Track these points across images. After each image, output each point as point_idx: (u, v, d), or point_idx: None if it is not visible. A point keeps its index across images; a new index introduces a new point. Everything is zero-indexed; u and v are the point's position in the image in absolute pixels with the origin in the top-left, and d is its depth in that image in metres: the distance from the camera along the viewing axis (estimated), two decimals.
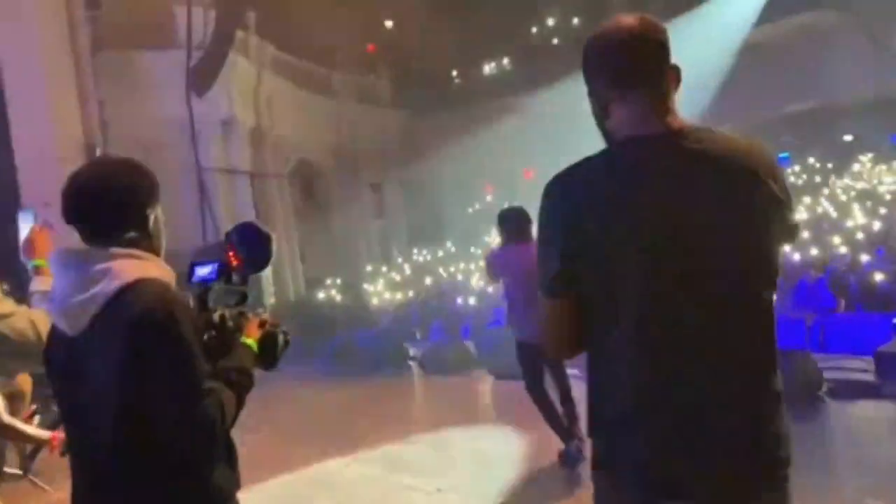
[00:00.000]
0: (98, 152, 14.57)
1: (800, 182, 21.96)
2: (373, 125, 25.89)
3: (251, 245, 1.87)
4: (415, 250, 27.37)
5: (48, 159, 11.78)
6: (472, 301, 14.68)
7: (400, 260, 25.80)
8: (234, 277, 1.87)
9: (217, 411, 1.57)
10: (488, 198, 33.45)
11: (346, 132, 24.90)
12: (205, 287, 1.82)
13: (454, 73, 29.87)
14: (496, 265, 5.24)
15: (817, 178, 22.66)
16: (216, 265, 1.83)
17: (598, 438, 1.52)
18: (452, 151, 28.24)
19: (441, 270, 22.03)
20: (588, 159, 1.55)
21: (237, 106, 19.18)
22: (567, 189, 1.52)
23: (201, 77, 15.71)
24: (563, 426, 4.96)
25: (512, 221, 5.14)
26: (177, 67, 15.74)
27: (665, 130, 1.47)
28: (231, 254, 1.85)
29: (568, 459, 4.89)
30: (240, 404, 1.68)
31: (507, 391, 7.63)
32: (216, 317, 1.78)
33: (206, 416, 1.55)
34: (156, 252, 1.76)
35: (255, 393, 1.73)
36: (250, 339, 1.82)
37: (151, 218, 1.75)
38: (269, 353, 1.86)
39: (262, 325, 1.87)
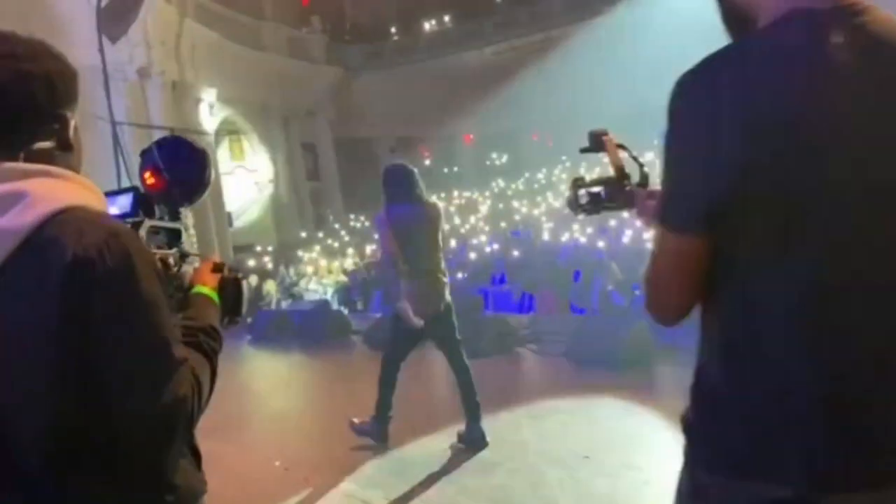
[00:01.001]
0: None
1: None
2: (305, 82, 24.49)
3: (177, 163, 1.48)
4: (351, 216, 26.27)
5: None
6: None
7: (336, 226, 24.66)
8: (160, 210, 1.47)
9: (191, 390, 1.15)
10: (426, 162, 32.65)
11: (276, 88, 23.42)
12: None
13: (392, 29, 28.54)
14: (387, 226, 4.51)
15: None
16: (131, 195, 1.43)
17: (730, 430, 1.17)
18: (389, 112, 27.23)
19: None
20: (733, 47, 1.17)
21: (156, 55, 17.64)
22: (719, 81, 1.10)
23: (114, 19, 14.09)
24: (386, 412, 4.69)
25: (399, 179, 4.57)
26: (85, 7, 14.13)
27: (836, 3, 1.14)
28: (149, 173, 1.46)
29: (373, 436, 4.70)
30: (213, 376, 1.26)
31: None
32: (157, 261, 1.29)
33: (179, 397, 1.12)
34: (75, 171, 1.24)
35: None
36: (206, 288, 1.44)
37: (72, 123, 1.24)
38: (233, 303, 1.48)
39: (216, 268, 1.48)
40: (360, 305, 12.89)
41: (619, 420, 4.90)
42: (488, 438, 4.60)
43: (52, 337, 1.05)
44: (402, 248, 4.48)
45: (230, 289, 1.48)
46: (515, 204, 22.64)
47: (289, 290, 14.36)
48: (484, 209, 23.97)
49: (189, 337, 1.25)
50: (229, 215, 21.09)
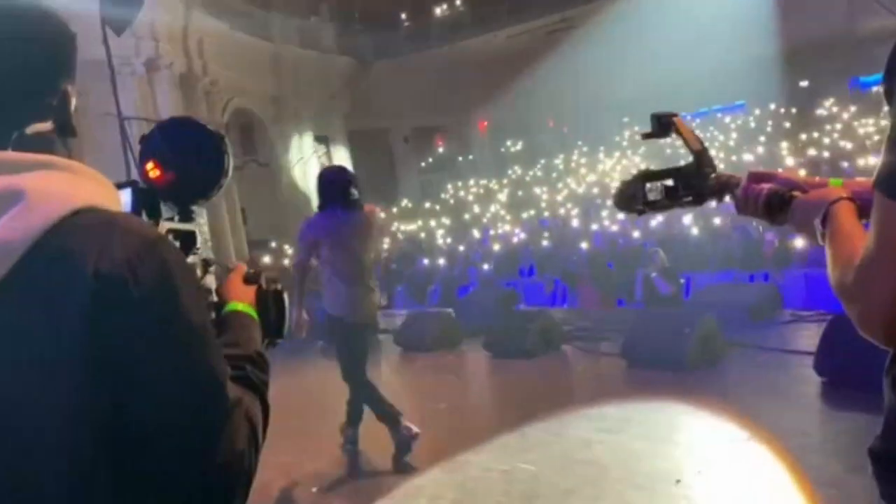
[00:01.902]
0: None
1: None
2: (316, 72, 23.89)
3: (187, 150, 1.20)
4: None
5: None
6: (440, 261, 13.26)
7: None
8: (166, 208, 1.19)
9: (248, 441, 0.90)
10: (440, 150, 32.05)
11: (286, 79, 22.85)
12: None
13: (403, 15, 27.84)
14: (313, 232, 4.44)
15: None
16: (128, 191, 1.11)
17: None
18: (402, 102, 26.62)
19: (399, 229, 20.49)
20: None
21: (163, 47, 17.10)
22: None
23: (118, 10, 13.54)
24: (391, 412, 4.48)
25: (334, 183, 4.42)
26: None
27: None
28: (152, 164, 1.17)
29: (401, 444, 4.43)
30: (266, 415, 1.00)
31: (504, 368, 6.29)
32: None
33: (237, 453, 0.87)
34: (76, 159, 0.95)
35: None
36: (242, 305, 1.17)
37: (72, 100, 0.97)
38: (275, 322, 1.21)
39: (249, 279, 1.21)
40: (383, 301, 12.32)
41: (702, 434, 4.29)
42: (553, 458, 4.05)
43: (66, 395, 0.79)
44: (335, 254, 4.40)
45: (271, 304, 1.22)
46: (536, 191, 21.98)
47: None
48: (502, 197, 23.34)
49: (235, 370, 0.98)
50: (243, 211, 20.57)
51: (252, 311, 1.18)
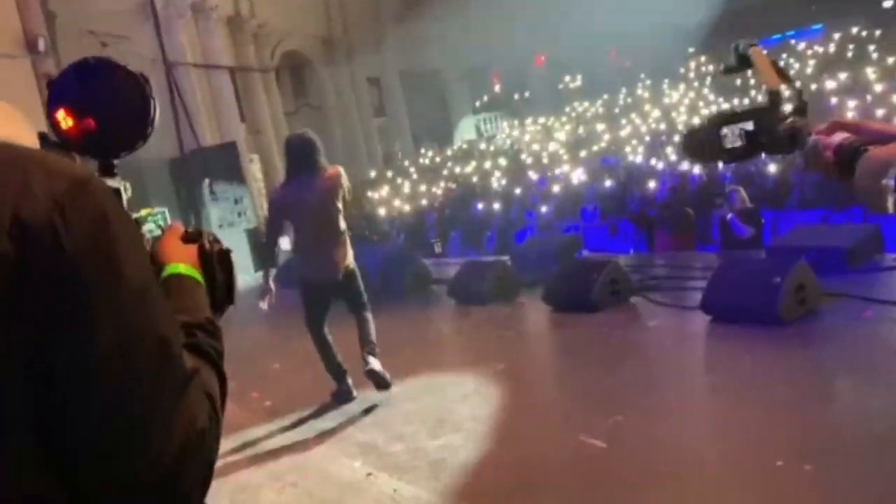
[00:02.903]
0: (41, 47, 12.24)
1: None
2: (366, 11, 23.08)
3: (106, 96, 1.05)
4: (421, 150, 25.09)
5: None
6: (495, 206, 12.63)
7: (406, 163, 23.52)
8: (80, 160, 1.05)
9: (209, 417, 0.78)
10: (496, 88, 30.99)
11: (336, 20, 22.14)
12: None
13: None
14: (279, 202, 4.75)
15: None
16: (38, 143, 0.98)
17: None
18: (456, 38, 25.61)
19: (453, 172, 19.85)
20: None
21: None
22: None
23: None
24: (336, 368, 4.79)
25: (297, 150, 4.61)
26: None
27: None
28: (63, 112, 1.03)
29: (339, 398, 4.80)
30: (224, 388, 0.87)
31: (566, 323, 5.72)
32: None
33: (196, 431, 0.75)
34: None
35: None
36: (184, 267, 1.01)
37: None
38: (222, 285, 1.06)
39: (188, 238, 1.07)
40: (437, 248, 11.85)
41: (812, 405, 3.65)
42: (627, 435, 3.51)
43: None
44: (294, 223, 4.69)
45: (218, 266, 1.06)
46: (597, 128, 20.94)
47: (358, 234, 13.43)
48: (561, 136, 22.38)
49: (186, 339, 0.83)
50: None
51: (195, 273, 1.03)
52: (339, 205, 4.60)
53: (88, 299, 0.70)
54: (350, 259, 4.72)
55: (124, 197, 1.12)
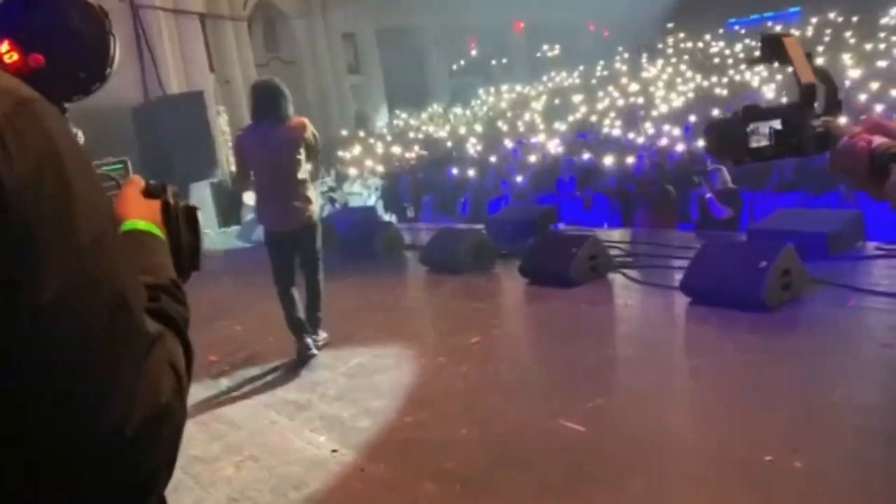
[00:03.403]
0: None
1: None
2: None
3: (58, 27, 0.94)
4: (395, 112, 24.60)
5: None
6: (470, 173, 12.37)
7: (379, 124, 23.03)
8: None
9: (174, 388, 0.67)
10: (473, 52, 30.46)
11: None
12: None
13: None
14: (245, 148, 4.66)
15: None
16: None
17: None
18: None
19: (426, 134, 19.49)
20: None
21: None
22: None
23: None
24: (295, 323, 4.71)
25: (263, 95, 4.57)
26: None
27: None
28: (6, 47, 0.91)
29: (299, 354, 4.70)
30: (190, 358, 0.75)
31: (543, 297, 5.54)
32: None
33: (162, 402, 0.64)
34: None
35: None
36: (143, 223, 0.90)
37: None
38: (188, 246, 0.95)
39: (150, 192, 0.95)
40: (410, 213, 11.59)
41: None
42: (604, 419, 3.35)
43: None
44: (254, 170, 4.64)
45: (184, 225, 0.95)
46: (574, 99, 20.69)
47: (328, 196, 13.09)
48: (538, 105, 22.10)
49: (147, 301, 0.71)
50: None
51: (157, 230, 0.91)
52: (301, 155, 4.54)
53: (32, 245, 0.57)
54: (311, 211, 4.63)
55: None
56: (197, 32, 15.61)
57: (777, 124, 1.03)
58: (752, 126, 1.04)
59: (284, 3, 21.16)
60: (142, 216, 0.91)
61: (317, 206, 4.79)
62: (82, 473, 0.60)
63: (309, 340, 4.71)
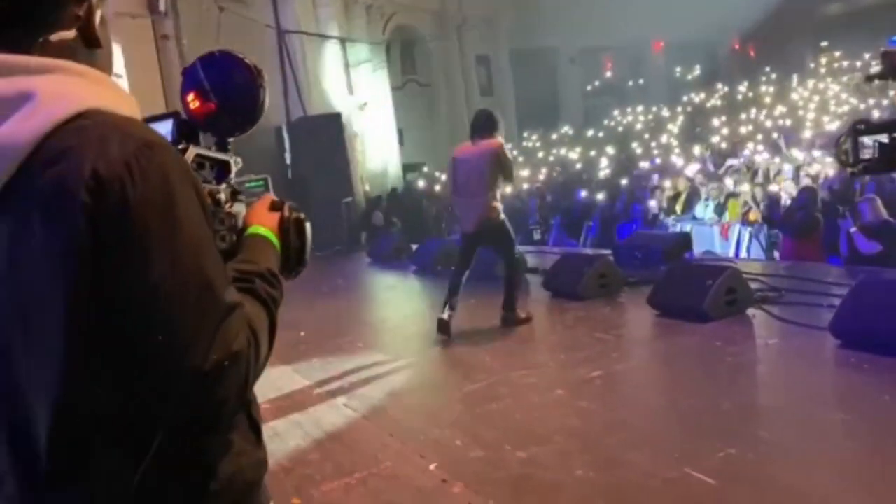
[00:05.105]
0: (162, 7, 12.53)
1: None
2: None
3: (227, 83, 1.28)
4: (524, 133, 24.50)
5: None
6: (599, 196, 12.04)
7: (509, 145, 23.02)
8: (205, 141, 1.29)
9: (248, 343, 0.94)
10: (608, 73, 29.88)
11: None
12: None
13: None
14: (452, 158, 6.08)
15: None
16: (171, 121, 1.25)
17: None
18: (570, 18, 24.77)
19: (558, 156, 19.22)
20: None
21: None
22: None
23: None
24: (449, 299, 5.77)
25: (474, 120, 5.99)
26: None
27: None
28: (192, 95, 1.26)
29: (439, 326, 5.72)
30: (273, 330, 1.04)
31: (672, 331, 5.19)
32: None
33: (232, 352, 0.91)
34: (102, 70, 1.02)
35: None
36: (264, 229, 1.21)
37: (98, 12, 1.02)
38: (296, 250, 1.26)
39: (274, 207, 1.26)
40: (536, 235, 11.41)
41: None
42: (739, 470, 3.03)
43: (63, 282, 0.86)
44: (453, 181, 6.01)
45: (293, 231, 1.25)
46: (714, 122, 19.74)
47: (456, 215, 13.18)
48: (674, 127, 21.27)
49: (242, 283, 1.03)
50: (400, 132, 20.14)
51: (271, 235, 1.21)
52: (489, 169, 5.63)
53: (148, 242, 0.87)
54: (493, 215, 5.70)
55: (234, 169, 1.29)
56: (336, 55, 16.28)
57: (883, 138, 1.07)
58: (863, 140, 1.09)
59: (422, 26, 21.69)
60: (263, 224, 1.21)
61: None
62: (169, 395, 0.89)
63: (446, 316, 5.74)
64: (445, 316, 5.70)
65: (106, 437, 0.90)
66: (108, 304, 0.86)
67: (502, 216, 5.78)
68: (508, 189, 14.67)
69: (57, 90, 0.91)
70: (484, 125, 5.79)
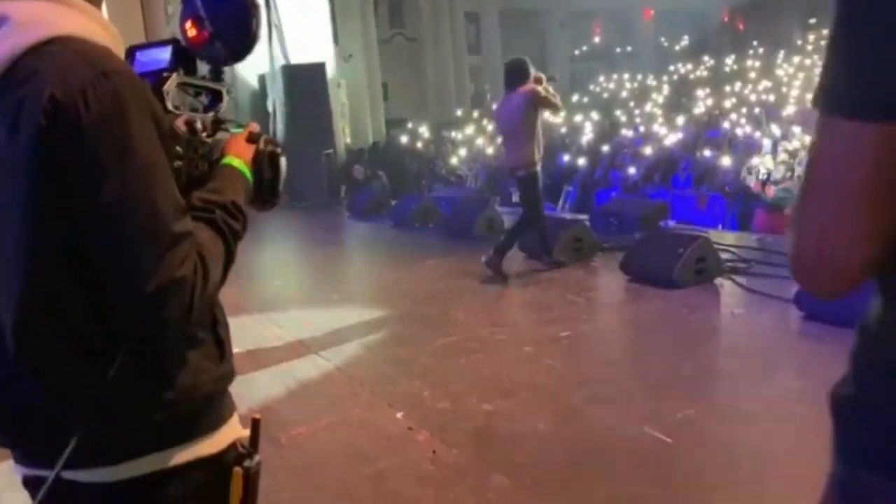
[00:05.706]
0: None
1: None
2: None
3: (222, 13, 1.26)
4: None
5: None
6: (580, 161, 12.06)
7: (494, 105, 22.89)
8: (200, 68, 1.30)
9: (193, 271, 0.98)
10: (597, 38, 29.69)
11: None
12: (154, 83, 1.17)
13: None
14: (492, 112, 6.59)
15: None
16: (170, 47, 1.26)
17: None
18: None
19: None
20: None
21: None
22: None
23: None
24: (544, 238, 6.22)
25: (505, 72, 6.03)
26: None
27: None
28: (190, 23, 1.25)
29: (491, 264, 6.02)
30: (228, 260, 1.08)
31: (642, 296, 5.29)
32: (180, 123, 1.16)
33: (174, 279, 0.95)
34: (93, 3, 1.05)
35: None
36: (237, 160, 1.22)
37: None
38: (267, 182, 1.28)
39: (251, 139, 1.28)
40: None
41: None
42: (694, 431, 3.13)
43: (23, 199, 0.94)
44: (498, 131, 6.61)
45: (267, 164, 1.27)
46: (699, 93, 19.77)
47: (437, 173, 13.13)
48: (659, 97, 21.28)
49: (203, 212, 1.06)
50: (385, 87, 19.91)
51: (244, 167, 1.22)
52: (520, 118, 5.78)
53: (99, 166, 0.91)
54: (523, 165, 5.86)
55: (225, 99, 1.31)
56: (321, 3, 15.93)
57: None
58: None
59: None
60: (238, 155, 1.22)
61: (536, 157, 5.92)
62: (119, 311, 0.96)
63: (551, 258, 6.23)
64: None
65: (71, 343, 0.96)
66: (66, 220, 0.92)
67: (535, 169, 5.86)
68: (490, 150, 14.69)
69: (29, 15, 0.95)
70: (515, 75, 5.89)
